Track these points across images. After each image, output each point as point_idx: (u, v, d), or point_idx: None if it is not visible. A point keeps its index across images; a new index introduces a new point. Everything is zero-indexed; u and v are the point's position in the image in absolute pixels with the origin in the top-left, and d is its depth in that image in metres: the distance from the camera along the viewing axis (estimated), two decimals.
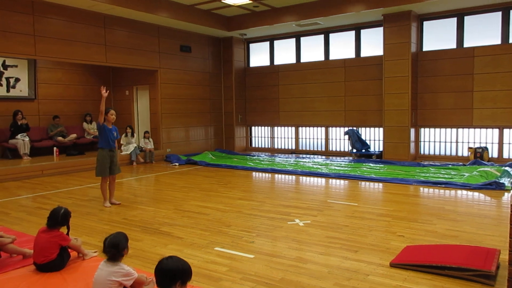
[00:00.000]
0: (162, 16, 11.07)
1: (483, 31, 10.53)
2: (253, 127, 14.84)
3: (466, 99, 10.77)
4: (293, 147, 13.87)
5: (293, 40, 13.54)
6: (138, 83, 12.97)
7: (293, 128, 13.80)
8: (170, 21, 11.58)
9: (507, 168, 8.81)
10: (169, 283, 2.52)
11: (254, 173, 9.75)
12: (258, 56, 14.47)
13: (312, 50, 13.22)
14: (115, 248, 3.05)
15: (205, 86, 13.77)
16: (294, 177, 9.10)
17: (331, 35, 12.80)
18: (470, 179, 7.86)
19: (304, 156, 12.61)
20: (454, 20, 10.86)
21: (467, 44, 10.76)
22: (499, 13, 10.24)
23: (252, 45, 14.57)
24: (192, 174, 9.70)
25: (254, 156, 12.68)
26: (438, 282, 3.44)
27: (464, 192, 7.16)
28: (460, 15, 10.72)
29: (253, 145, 14.89)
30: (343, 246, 4.41)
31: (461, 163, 10.03)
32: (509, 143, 10.45)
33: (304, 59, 13.41)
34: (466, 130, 10.98)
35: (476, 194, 6.98)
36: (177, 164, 11.14)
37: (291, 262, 3.99)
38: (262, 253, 4.23)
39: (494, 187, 7.23)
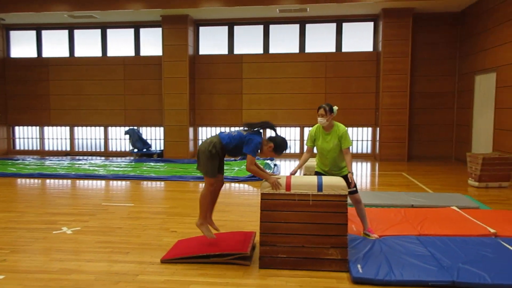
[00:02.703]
0: None
1: (250, 40, 11.88)
2: (16, 127, 12.89)
3: (236, 100, 11.94)
4: (68, 149, 12.69)
5: (66, 32, 12.36)
6: None
7: (68, 128, 12.63)
8: None
9: (268, 161, 10.18)
10: None
11: (17, 180, 8.43)
12: (22, 46, 12.64)
13: (89, 44, 12.36)
14: None
15: None
16: (68, 181, 8.28)
17: (109, 31, 12.24)
18: (238, 173, 8.73)
19: (80, 158, 11.68)
20: (226, 28, 11.89)
21: (237, 51, 11.93)
22: (261, 26, 11.73)
23: (13, 33, 12.62)
24: None
25: (18, 160, 11.02)
26: (204, 270, 3.64)
27: (234, 184, 7.88)
28: (230, 24, 11.80)
29: (18, 148, 12.96)
30: (114, 249, 4.21)
31: (232, 159, 11.06)
32: None
33: (79, 53, 12.41)
34: (237, 128, 12.15)
35: (243, 185, 7.79)
36: None
37: (52, 275, 3.56)
38: (16, 272, 3.65)
39: (257, 178, 8.21)
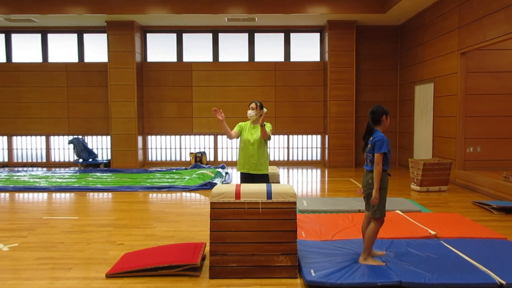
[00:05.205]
0: None
1: (199, 48, 11.81)
2: None
3: (186, 108, 11.80)
4: (6, 160, 11.91)
5: (2, 36, 11.67)
6: None
7: (5, 138, 11.87)
8: None
9: (219, 169, 10.11)
10: None
11: None
12: None
13: (28, 49, 11.73)
14: None
15: None
16: (5, 194, 7.75)
17: (50, 36, 11.69)
18: (189, 182, 8.58)
19: (20, 169, 11.01)
20: (174, 36, 11.75)
21: (186, 59, 11.81)
22: (210, 35, 11.70)
23: None
24: None
25: None
26: (152, 284, 3.52)
27: (185, 194, 7.75)
28: (179, 31, 11.67)
29: None
30: (55, 266, 3.98)
31: (183, 167, 10.89)
32: (222, 148, 12.05)
33: (16, 58, 11.75)
34: (187, 137, 12.02)
35: (194, 194, 7.67)
36: None
37: None
38: None
39: (209, 187, 8.13)
